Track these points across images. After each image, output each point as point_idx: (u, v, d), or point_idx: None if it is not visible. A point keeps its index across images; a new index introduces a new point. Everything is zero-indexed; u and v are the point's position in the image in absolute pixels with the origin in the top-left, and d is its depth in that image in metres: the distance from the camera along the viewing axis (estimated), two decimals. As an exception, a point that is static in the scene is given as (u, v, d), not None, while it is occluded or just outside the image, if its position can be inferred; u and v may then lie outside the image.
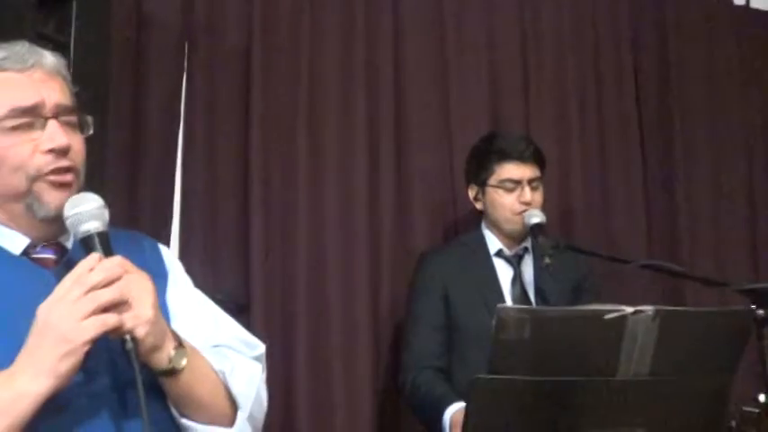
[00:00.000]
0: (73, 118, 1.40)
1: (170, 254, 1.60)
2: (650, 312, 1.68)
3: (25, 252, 1.38)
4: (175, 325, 1.41)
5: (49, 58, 1.41)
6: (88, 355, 1.22)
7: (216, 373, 1.40)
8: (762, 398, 1.92)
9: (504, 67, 3.28)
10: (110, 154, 2.42)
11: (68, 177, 1.36)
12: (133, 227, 2.50)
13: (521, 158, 2.63)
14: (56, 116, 1.36)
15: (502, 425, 1.70)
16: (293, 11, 2.98)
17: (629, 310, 1.68)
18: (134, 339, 1.24)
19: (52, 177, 1.34)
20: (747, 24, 3.69)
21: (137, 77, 2.74)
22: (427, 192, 3.09)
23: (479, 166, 2.69)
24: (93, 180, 2.20)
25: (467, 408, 1.72)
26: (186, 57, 2.84)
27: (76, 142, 1.39)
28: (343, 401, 2.83)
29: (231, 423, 1.41)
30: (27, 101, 1.34)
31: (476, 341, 2.45)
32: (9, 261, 1.36)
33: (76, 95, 1.45)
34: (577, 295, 2.59)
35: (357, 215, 2.96)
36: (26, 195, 1.34)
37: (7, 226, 1.38)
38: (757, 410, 1.93)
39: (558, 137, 3.29)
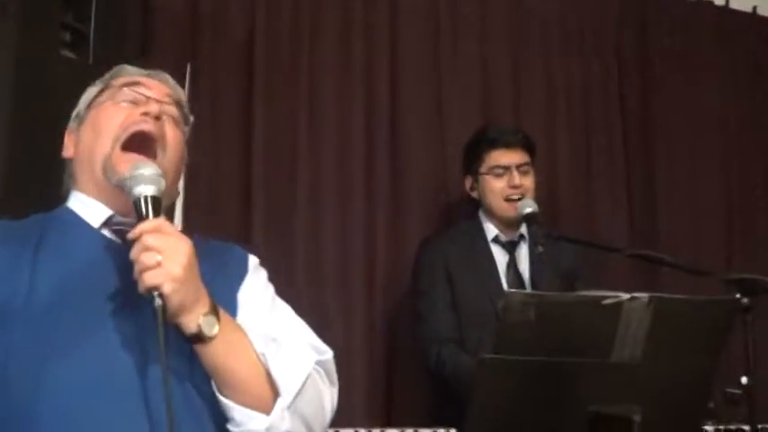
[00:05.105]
0: (175, 110, 1.50)
1: (257, 262, 1.56)
2: (645, 299, 1.80)
3: (106, 223, 1.42)
4: (241, 316, 1.40)
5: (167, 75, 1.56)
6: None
7: (257, 353, 1.32)
8: (744, 380, 2.04)
9: (496, 82, 3.39)
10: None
11: (142, 149, 1.41)
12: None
13: (507, 145, 2.75)
14: (159, 101, 1.46)
15: (505, 402, 1.80)
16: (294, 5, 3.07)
17: (626, 296, 1.80)
18: (162, 296, 1.22)
19: (127, 144, 1.41)
20: (727, 24, 3.81)
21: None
22: (421, 183, 3.18)
23: (472, 157, 2.82)
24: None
25: (472, 386, 1.82)
26: (191, 47, 2.91)
27: (173, 132, 1.47)
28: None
29: (270, 410, 1.30)
30: (134, 78, 1.49)
31: (474, 324, 2.56)
32: (87, 232, 1.41)
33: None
34: (570, 283, 2.66)
35: (354, 209, 3.05)
36: (107, 161, 1.41)
37: (94, 198, 1.44)
38: (739, 392, 2.06)
39: (546, 129, 3.39)
